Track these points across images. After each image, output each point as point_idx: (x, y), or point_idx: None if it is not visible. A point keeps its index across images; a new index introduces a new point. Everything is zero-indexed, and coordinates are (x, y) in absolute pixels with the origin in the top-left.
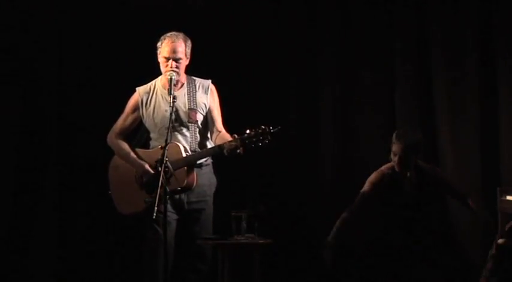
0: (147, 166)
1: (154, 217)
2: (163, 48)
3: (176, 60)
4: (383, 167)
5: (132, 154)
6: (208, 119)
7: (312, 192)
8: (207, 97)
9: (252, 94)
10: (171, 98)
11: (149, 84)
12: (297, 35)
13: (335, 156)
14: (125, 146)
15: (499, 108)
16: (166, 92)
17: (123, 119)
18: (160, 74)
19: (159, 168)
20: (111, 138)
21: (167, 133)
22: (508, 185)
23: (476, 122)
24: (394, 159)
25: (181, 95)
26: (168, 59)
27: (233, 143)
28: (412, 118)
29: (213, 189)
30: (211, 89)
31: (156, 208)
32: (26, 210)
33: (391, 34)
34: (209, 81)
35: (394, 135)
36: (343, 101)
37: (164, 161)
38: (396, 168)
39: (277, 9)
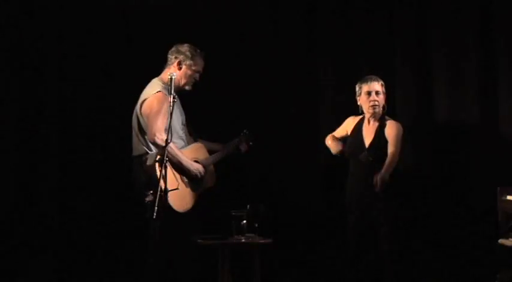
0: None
1: (154, 217)
2: (198, 63)
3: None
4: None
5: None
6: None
7: (312, 192)
8: None
9: (251, 91)
10: (171, 98)
11: (159, 87)
12: (296, 34)
13: (335, 156)
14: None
15: (499, 108)
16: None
17: (164, 121)
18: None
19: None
20: (165, 140)
21: (183, 133)
22: (508, 185)
23: (476, 121)
24: (369, 98)
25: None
26: (199, 72)
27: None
28: (413, 117)
29: None
30: None
31: (156, 208)
32: (26, 209)
33: (391, 34)
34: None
35: (360, 81)
36: (343, 100)
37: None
38: (371, 110)
39: (276, 9)
